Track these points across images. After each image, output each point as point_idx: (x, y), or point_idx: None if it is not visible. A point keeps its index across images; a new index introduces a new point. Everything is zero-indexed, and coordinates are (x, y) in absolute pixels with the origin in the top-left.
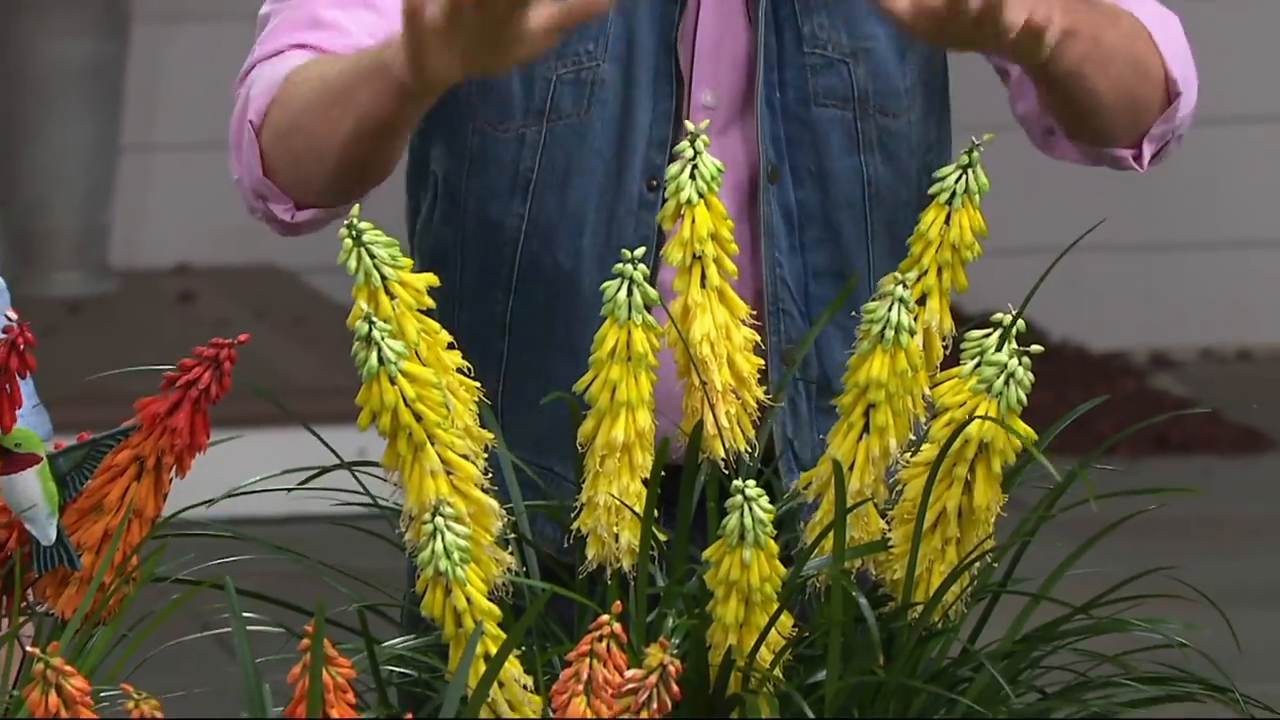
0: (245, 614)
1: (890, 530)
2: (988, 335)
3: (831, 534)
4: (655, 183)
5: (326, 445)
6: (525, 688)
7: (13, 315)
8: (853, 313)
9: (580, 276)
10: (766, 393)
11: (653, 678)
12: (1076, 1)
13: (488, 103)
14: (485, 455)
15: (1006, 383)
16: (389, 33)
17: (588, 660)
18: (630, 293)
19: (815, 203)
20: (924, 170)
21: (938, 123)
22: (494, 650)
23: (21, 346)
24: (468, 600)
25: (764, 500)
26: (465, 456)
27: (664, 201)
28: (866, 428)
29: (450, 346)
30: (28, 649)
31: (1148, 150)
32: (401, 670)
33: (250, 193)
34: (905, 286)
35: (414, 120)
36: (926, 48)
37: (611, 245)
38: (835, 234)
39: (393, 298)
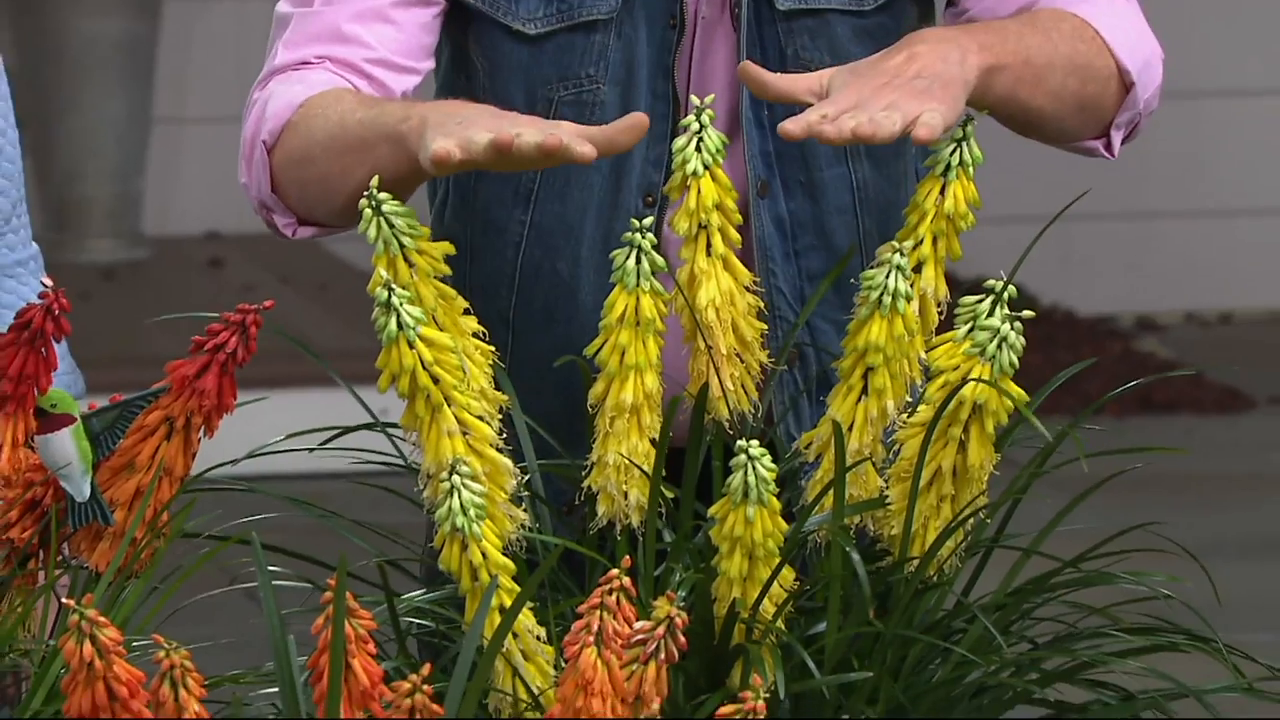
0: (271, 568)
1: (887, 488)
2: (981, 301)
3: (831, 492)
4: (651, 199)
5: (363, 403)
6: (538, 638)
7: (48, 282)
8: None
9: (579, 284)
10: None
11: (660, 629)
12: (995, 34)
13: None
14: (500, 416)
15: (999, 347)
16: (409, 72)
17: (598, 612)
18: (639, 260)
19: (806, 211)
20: (913, 171)
21: None
22: (508, 603)
23: (57, 312)
24: (483, 555)
25: (767, 459)
26: (481, 417)
27: (660, 214)
28: (865, 390)
29: (466, 312)
30: (63, 601)
31: (1116, 138)
32: (420, 622)
33: (256, 202)
34: (902, 255)
35: (423, 179)
36: None
37: (608, 255)
38: (828, 239)
39: (411, 265)
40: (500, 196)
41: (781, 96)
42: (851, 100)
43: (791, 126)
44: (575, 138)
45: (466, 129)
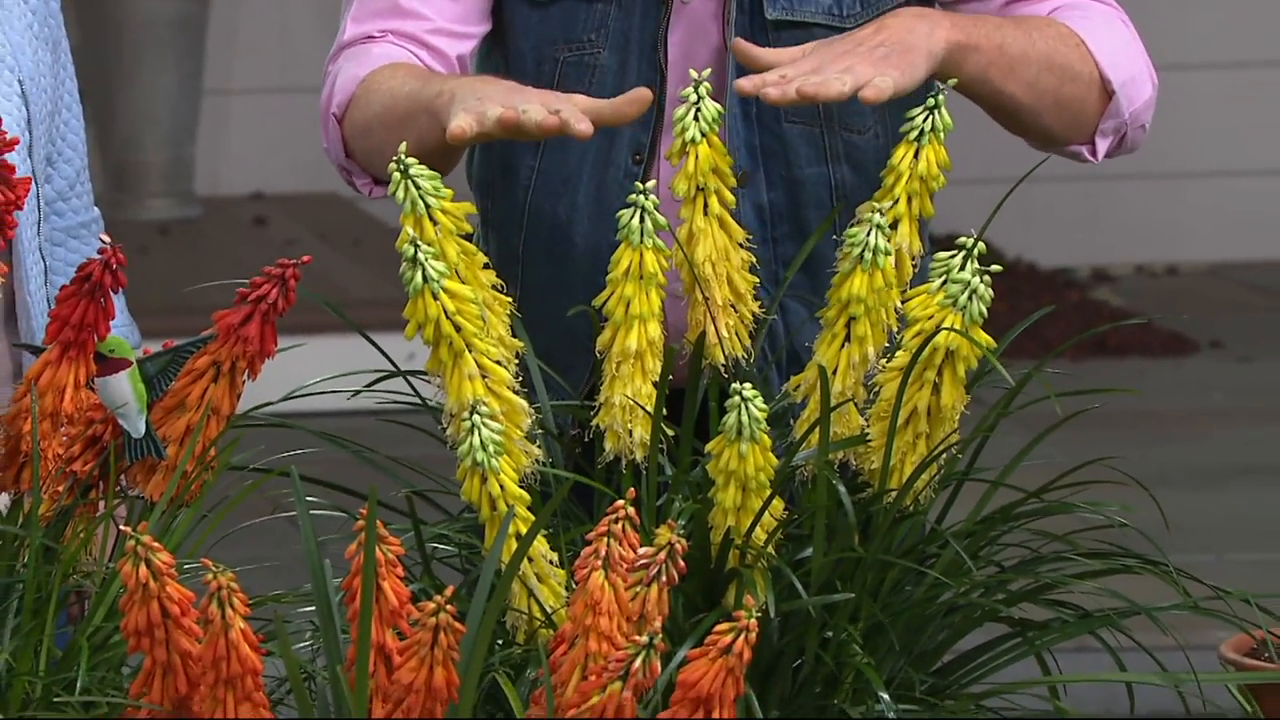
0: (308, 498)
1: (868, 426)
2: (953, 256)
3: (817, 430)
4: (639, 156)
5: (382, 352)
6: (551, 563)
7: (106, 239)
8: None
9: (573, 228)
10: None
11: (662, 555)
12: (972, 19)
13: (511, 74)
14: (516, 361)
15: (969, 298)
16: (459, 32)
17: (605, 539)
18: (642, 220)
19: (785, 203)
20: None
21: None
22: (524, 530)
23: (114, 266)
24: (501, 487)
25: (759, 400)
26: (499, 362)
27: (647, 169)
28: (848, 337)
29: (486, 266)
30: (121, 528)
31: (1100, 144)
32: (444, 547)
33: (336, 165)
34: (881, 214)
35: (461, 151)
36: None
37: (601, 204)
38: (803, 229)
39: (435, 224)
40: (514, 143)
41: (766, 69)
42: (813, 64)
43: (744, 83)
44: (575, 115)
45: (483, 105)
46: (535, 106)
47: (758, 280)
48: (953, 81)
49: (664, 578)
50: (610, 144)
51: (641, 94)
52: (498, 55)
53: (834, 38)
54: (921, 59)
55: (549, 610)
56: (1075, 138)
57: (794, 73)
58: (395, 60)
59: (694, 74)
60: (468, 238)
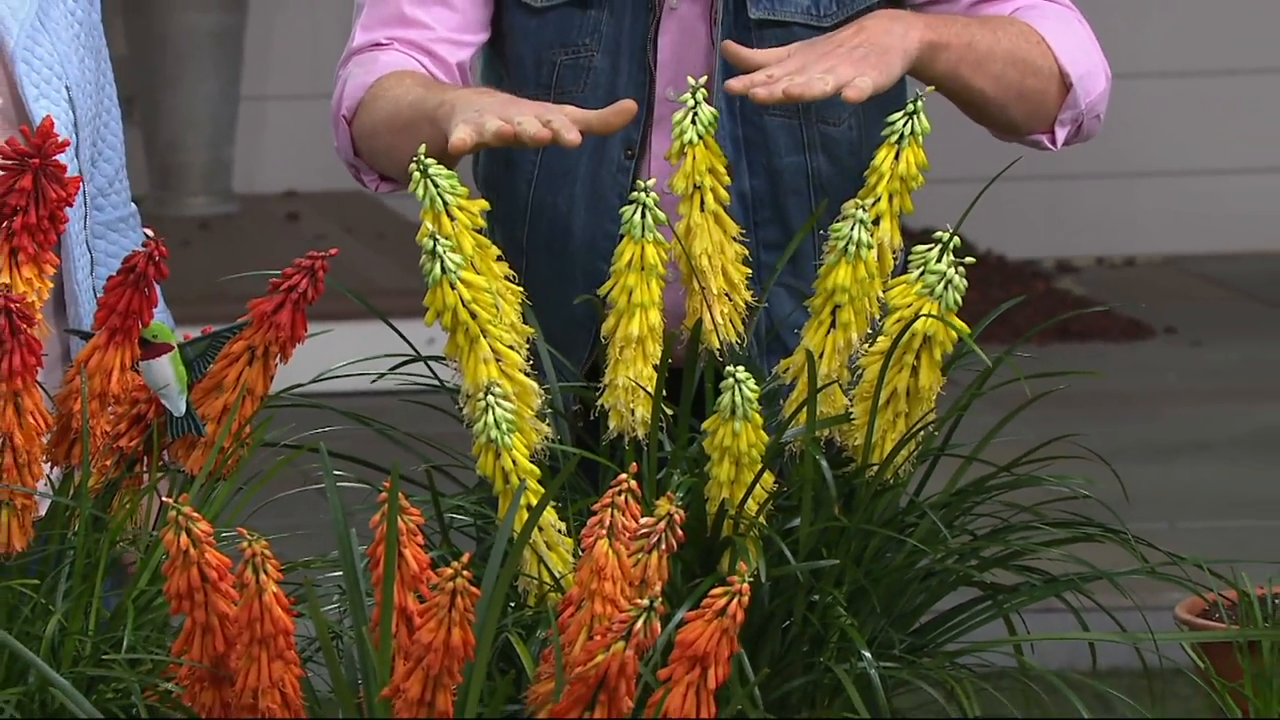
0: (336, 472)
1: (852, 406)
2: (930, 249)
3: (805, 409)
4: (630, 151)
5: (403, 337)
6: (559, 532)
7: (149, 232)
8: (803, 274)
9: (571, 219)
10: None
11: (661, 524)
12: (943, 20)
13: (512, 77)
14: (527, 346)
15: (945, 287)
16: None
17: (610, 510)
18: (644, 215)
19: (766, 190)
20: (867, 165)
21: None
22: (534, 502)
23: (157, 258)
24: (513, 462)
25: (751, 382)
26: (511, 347)
27: (638, 163)
28: (833, 324)
29: (499, 259)
30: (163, 499)
31: (1060, 133)
32: (461, 518)
33: (345, 163)
34: (864, 210)
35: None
36: None
37: (596, 196)
38: (783, 215)
39: (452, 219)
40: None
41: (754, 69)
42: (797, 64)
43: (734, 84)
44: (565, 126)
45: (481, 117)
46: (529, 119)
47: (749, 271)
48: (930, 89)
49: (663, 546)
50: (604, 140)
51: (627, 105)
52: (498, 60)
53: (816, 39)
54: (898, 59)
55: (557, 575)
56: (1037, 127)
57: (780, 72)
58: (401, 68)
59: (691, 80)
60: (481, 232)
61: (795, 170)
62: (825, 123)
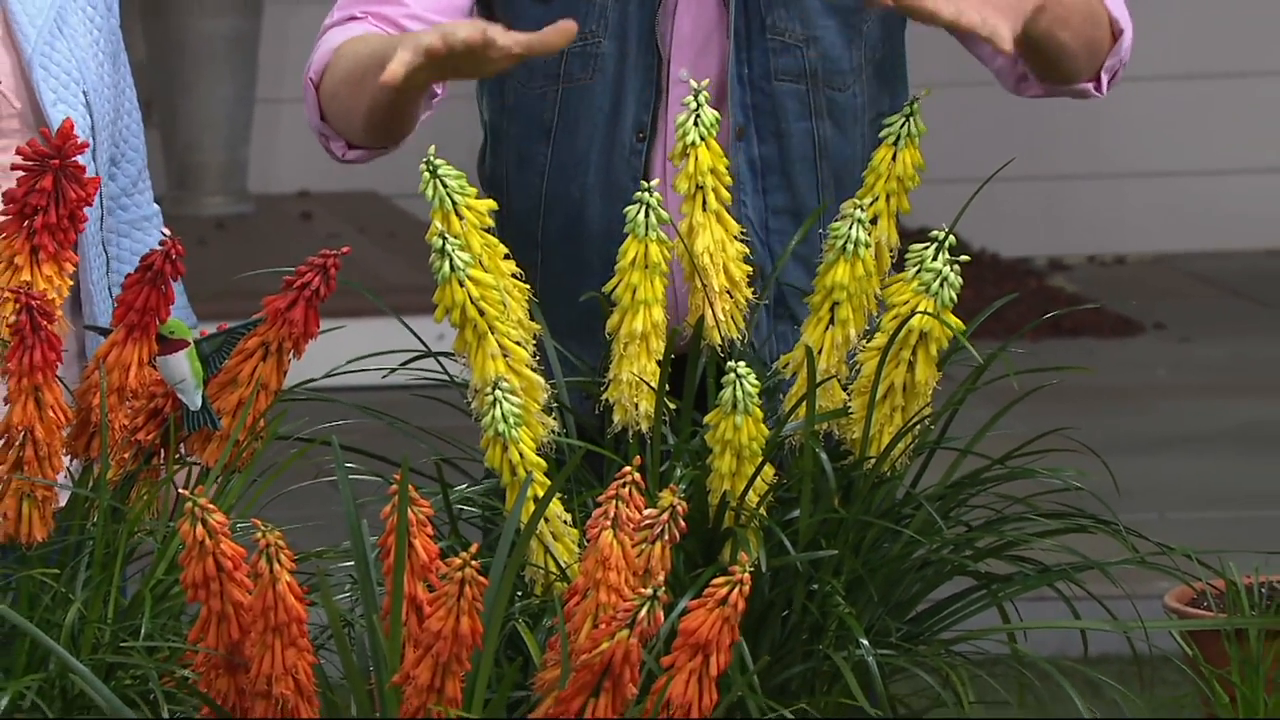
0: (347, 464)
1: (850, 400)
2: (926, 248)
3: (804, 403)
4: (642, 134)
5: (414, 333)
6: (565, 522)
7: (167, 232)
8: (812, 242)
9: (586, 206)
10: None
11: (665, 516)
12: None
13: (519, 68)
14: (533, 342)
15: (941, 285)
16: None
17: (614, 502)
18: (647, 215)
19: (775, 156)
20: (870, 132)
21: (891, 95)
22: (541, 494)
23: (174, 256)
24: (520, 455)
25: (752, 377)
26: (518, 343)
27: (650, 145)
28: (832, 320)
29: (506, 257)
30: (180, 491)
31: (1105, 79)
32: (469, 509)
33: (315, 131)
34: (862, 210)
35: (413, 103)
36: (874, 37)
37: (610, 182)
38: (790, 181)
39: (461, 219)
40: (527, 132)
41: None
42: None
43: None
44: (501, 33)
45: (417, 39)
46: (466, 28)
47: (751, 270)
48: (925, 91)
49: (666, 536)
50: (615, 125)
51: (566, 26)
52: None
53: None
54: (1020, 16)
55: (563, 565)
56: (1088, 75)
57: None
58: (369, 32)
59: (694, 84)
60: (490, 232)
61: (803, 135)
62: (832, 88)
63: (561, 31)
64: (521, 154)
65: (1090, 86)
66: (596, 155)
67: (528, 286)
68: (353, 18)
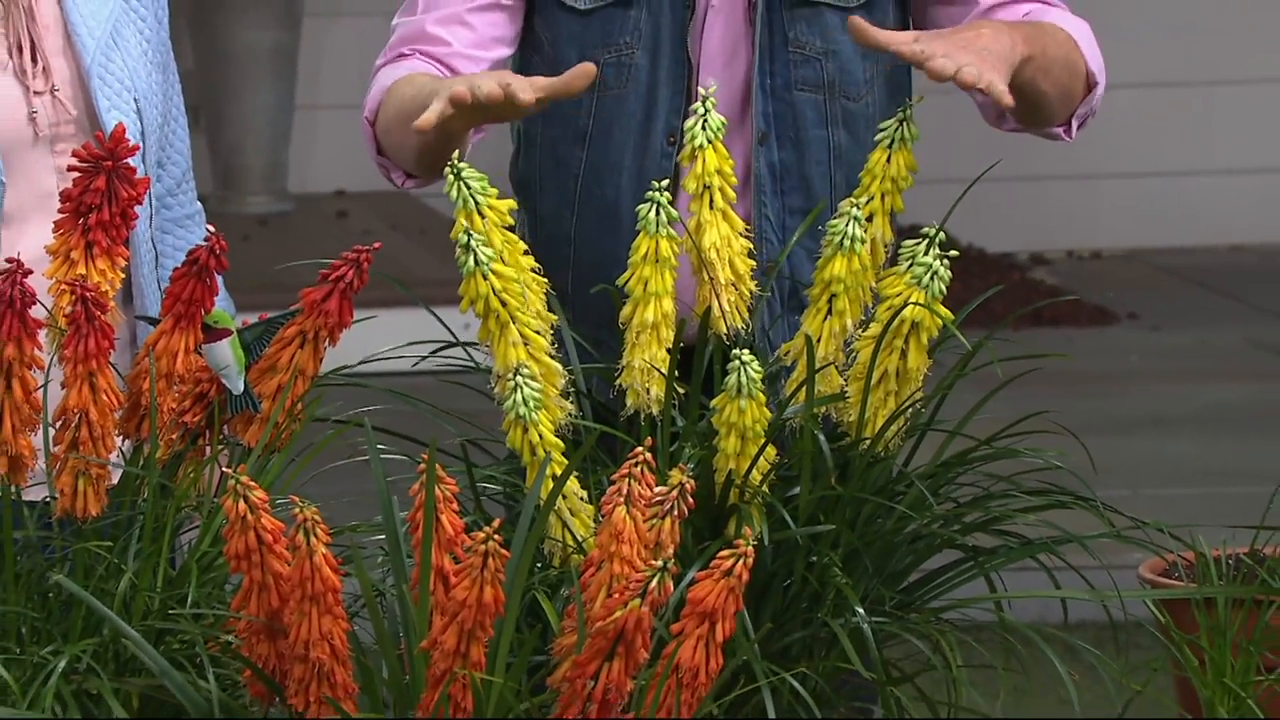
0: (379, 445)
1: (846, 385)
2: (918, 244)
3: (804, 388)
4: (673, 139)
5: (442, 323)
6: (581, 499)
7: (211, 228)
8: (822, 239)
9: (620, 205)
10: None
11: (674, 493)
12: (1030, 31)
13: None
14: (552, 332)
15: (931, 278)
16: (473, 49)
17: (627, 480)
18: (658, 212)
19: (793, 161)
20: None
21: (900, 104)
22: (559, 472)
23: (218, 251)
24: (540, 436)
25: (755, 364)
26: (538, 332)
27: (680, 149)
28: (830, 311)
29: (525, 253)
30: (224, 469)
31: (1075, 124)
32: (492, 486)
33: (374, 162)
34: (858, 208)
35: (456, 141)
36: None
37: (643, 183)
38: (808, 184)
39: (484, 217)
40: (562, 136)
41: (880, 46)
42: (940, 49)
43: (883, 38)
44: (522, 88)
45: (450, 88)
46: (487, 82)
47: (754, 264)
48: (919, 98)
49: (676, 512)
50: (647, 131)
51: (586, 68)
52: (538, 63)
53: (945, 31)
54: (1008, 67)
55: (580, 539)
56: (1060, 120)
57: (925, 45)
58: (416, 71)
59: (702, 90)
60: (511, 229)
61: (819, 142)
62: (847, 98)
63: (582, 74)
64: (557, 157)
65: (1061, 130)
66: (630, 159)
67: (546, 280)
68: (401, 55)
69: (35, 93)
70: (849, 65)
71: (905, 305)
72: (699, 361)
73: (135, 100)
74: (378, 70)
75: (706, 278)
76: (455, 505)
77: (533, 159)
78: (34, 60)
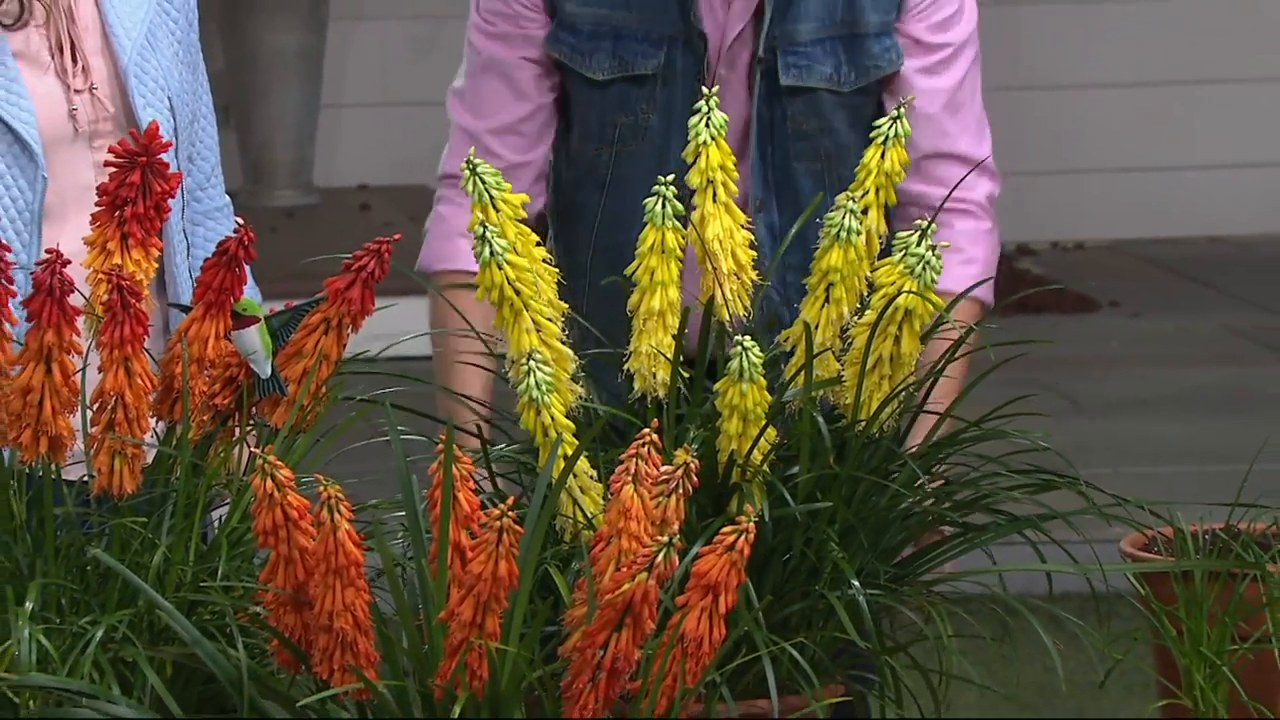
0: (399, 426)
1: (843, 370)
2: (910, 235)
3: (803, 372)
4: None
5: (459, 312)
6: (591, 478)
7: (240, 220)
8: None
9: (635, 250)
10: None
11: (679, 472)
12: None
13: (579, 134)
14: (563, 319)
15: (923, 268)
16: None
17: (635, 460)
18: (664, 206)
19: (791, 224)
20: None
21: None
22: (570, 452)
23: (247, 242)
24: (552, 418)
25: (756, 349)
26: (549, 319)
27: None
28: (827, 299)
29: (538, 244)
30: (252, 449)
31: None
32: (507, 465)
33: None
34: (854, 201)
35: None
36: (871, 115)
37: None
38: (804, 243)
39: (498, 210)
40: (583, 183)
41: None
42: None
43: None
44: None
45: (455, 418)
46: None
47: (754, 254)
48: (912, 96)
49: (681, 490)
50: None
51: None
52: (562, 124)
53: None
54: None
55: (590, 516)
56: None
57: None
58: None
59: (705, 90)
60: (525, 223)
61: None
62: (843, 167)
63: None
64: (577, 201)
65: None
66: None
67: (557, 269)
68: (454, 178)
69: (75, 91)
70: (843, 139)
71: (899, 294)
72: (702, 347)
73: (169, 99)
74: (445, 181)
75: (710, 267)
76: (471, 483)
77: (559, 196)
78: (74, 60)
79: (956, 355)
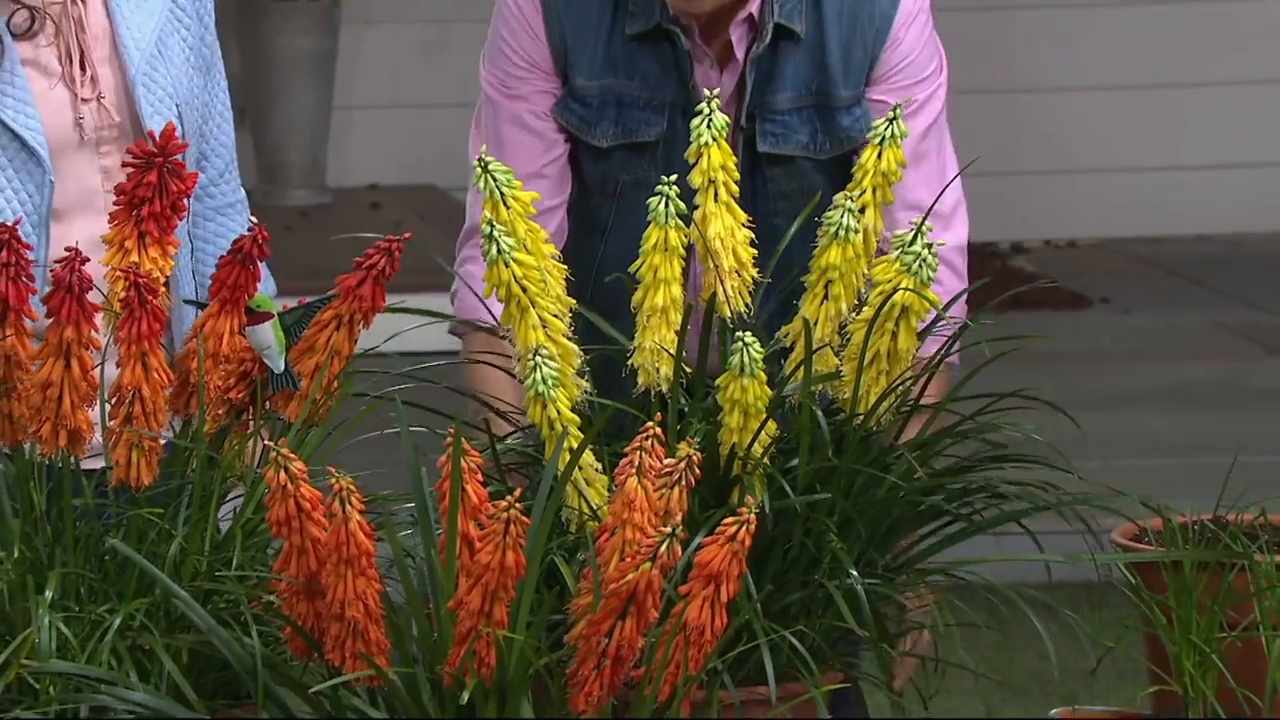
0: (409, 420)
1: (841, 365)
2: (907, 234)
3: (802, 368)
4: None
5: (483, 304)
6: (596, 470)
7: (254, 219)
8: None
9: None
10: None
11: (682, 465)
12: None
13: (582, 188)
14: (570, 315)
15: (920, 265)
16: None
17: (638, 453)
18: (667, 205)
19: (776, 270)
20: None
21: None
22: (575, 445)
23: (261, 241)
24: (558, 412)
25: (757, 345)
26: (556, 316)
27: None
28: (826, 296)
29: (548, 241)
30: (266, 442)
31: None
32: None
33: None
34: (852, 200)
35: None
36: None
37: None
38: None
39: (508, 208)
40: (584, 228)
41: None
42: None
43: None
44: None
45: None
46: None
47: (755, 252)
48: (907, 99)
49: (684, 482)
50: None
51: None
52: (574, 179)
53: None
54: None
55: (595, 507)
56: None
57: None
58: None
59: (706, 91)
60: (534, 219)
61: (799, 253)
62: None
63: None
64: (578, 242)
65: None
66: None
67: (565, 267)
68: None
69: (83, 100)
70: (827, 198)
71: (896, 291)
72: (704, 343)
73: (177, 106)
74: (468, 238)
75: (712, 265)
76: (479, 475)
77: (568, 235)
78: (82, 69)
79: (951, 352)
